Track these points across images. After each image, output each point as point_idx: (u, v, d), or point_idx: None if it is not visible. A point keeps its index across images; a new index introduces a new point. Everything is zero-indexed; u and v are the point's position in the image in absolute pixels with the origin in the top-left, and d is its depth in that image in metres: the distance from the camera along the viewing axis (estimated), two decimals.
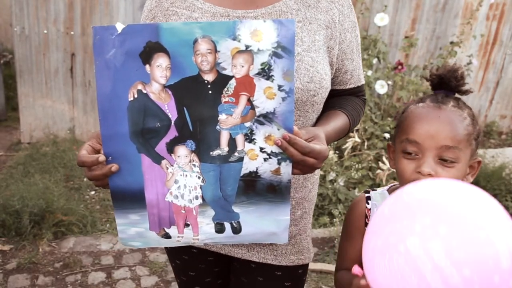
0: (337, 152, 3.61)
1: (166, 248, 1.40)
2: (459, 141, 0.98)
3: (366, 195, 1.17)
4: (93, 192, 3.49)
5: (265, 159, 0.97)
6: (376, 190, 1.19)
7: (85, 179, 3.57)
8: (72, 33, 4.10)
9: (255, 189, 0.99)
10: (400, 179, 1.06)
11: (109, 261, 2.76)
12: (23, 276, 2.58)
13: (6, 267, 2.64)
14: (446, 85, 1.05)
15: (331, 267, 2.75)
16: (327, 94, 1.16)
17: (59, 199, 3.01)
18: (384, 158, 3.39)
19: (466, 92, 1.06)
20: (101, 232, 2.99)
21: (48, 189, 3.08)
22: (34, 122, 4.26)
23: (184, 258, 1.35)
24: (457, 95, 1.07)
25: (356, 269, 0.93)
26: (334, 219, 3.09)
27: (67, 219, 2.94)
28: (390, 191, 1.16)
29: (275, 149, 0.96)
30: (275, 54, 0.91)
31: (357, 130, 3.64)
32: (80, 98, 4.27)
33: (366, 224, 1.13)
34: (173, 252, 1.38)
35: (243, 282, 1.31)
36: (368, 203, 1.15)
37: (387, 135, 3.68)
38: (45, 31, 4.05)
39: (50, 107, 4.25)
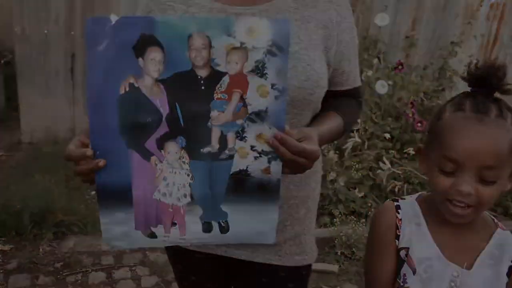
0: (337, 152, 3.61)
1: (168, 252, 1.37)
2: (502, 159, 0.90)
3: (395, 203, 1.08)
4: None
5: (255, 158, 0.95)
6: (404, 199, 1.10)
7: None
8: (72, 33, 4.10)
9: (244, 187, 0.97)
10: (435, 193, 1.01)
11: (110, 261, 2.75)
12: (24, 276, 2.57)
13: (7, 267, 2.63)
14: (487, 83, 0.95)
15: (331, 267, 2.76)
16: (324, 93, 1.15)
17: (60, 199, 3.00)
18: (384, 158, 3.39)
19: (508, 92, 0.95)
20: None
21: (48, 189, 3.08)
22: (35, 122, 4.26)
23: (186, 263, 1.32)
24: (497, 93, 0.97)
25: None
26: (334, 219, 3.09)
27: (67, 219, 2.94)
28: (419, 201, 1.09)
29: (266, 148, 0.94)
30: (269, 52, 0.90)
31: (357, 130, 3.63)
32: (81, 98, 4.26)
33: (397, 237, 1.05)
34: (175, 257, 1.35)
35: (247, 284, 1.29)
36: (398, 213, 1.06)
37: (387, 135, 3.68)
38: (46, 31, 4.05)
39: (51, 107, 4.25)
